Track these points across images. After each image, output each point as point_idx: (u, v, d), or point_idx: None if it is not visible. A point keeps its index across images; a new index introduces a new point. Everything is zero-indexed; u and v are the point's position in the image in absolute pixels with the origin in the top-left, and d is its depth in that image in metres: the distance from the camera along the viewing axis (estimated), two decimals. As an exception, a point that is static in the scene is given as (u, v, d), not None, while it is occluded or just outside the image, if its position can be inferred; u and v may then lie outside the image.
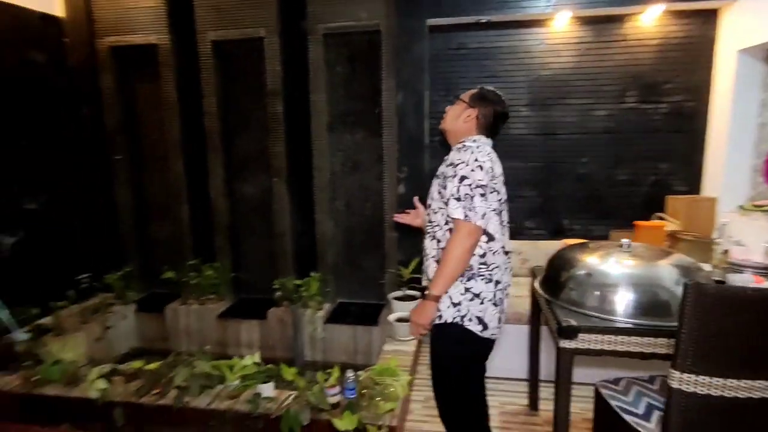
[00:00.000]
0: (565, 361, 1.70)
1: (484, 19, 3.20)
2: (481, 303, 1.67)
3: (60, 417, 2.36)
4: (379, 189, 3.51)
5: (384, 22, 3.21)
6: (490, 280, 1.68)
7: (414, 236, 3.39)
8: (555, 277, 1.94)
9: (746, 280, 1.83)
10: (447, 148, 1.85)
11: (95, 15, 3.60)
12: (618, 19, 3.16)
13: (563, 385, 1.72)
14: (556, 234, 3.48)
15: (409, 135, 3.31)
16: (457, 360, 1.74)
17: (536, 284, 2.10)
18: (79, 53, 3.65)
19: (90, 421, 2.29)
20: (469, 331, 1.67)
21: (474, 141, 1.71)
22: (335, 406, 2.14)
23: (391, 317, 3.06)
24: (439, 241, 1.71)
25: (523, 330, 2.59)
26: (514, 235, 3.44)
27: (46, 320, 3.13)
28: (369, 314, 3.51)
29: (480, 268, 1.66)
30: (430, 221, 1.77)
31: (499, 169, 1.73)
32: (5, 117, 3.15)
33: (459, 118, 1.78)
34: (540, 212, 3.51)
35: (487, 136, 1.79)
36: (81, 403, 2.32)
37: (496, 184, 1.68)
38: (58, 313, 3.21)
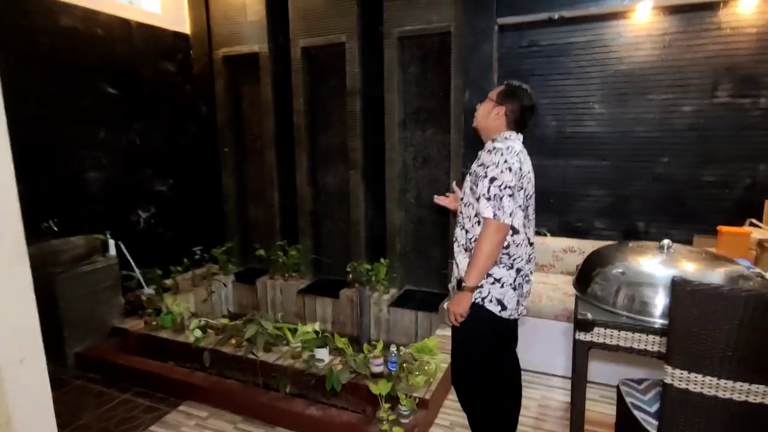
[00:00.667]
0: (580, 353, 1.74)
1: (555, 15, 3.17)
2: (501, 287, 1.80)
3: (168, 355, 2.96)
4: (447, 183, 3.68)
5: (454, 23, 3.35)
6: (511, 267, 1.80)
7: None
8: (587, 273, 1.96)
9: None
10: (482, 145, 1.98)
11: (213, 31, 4.28)
12: (709, 7, 2.91)
13: (579, 377, 1.77)
14: (629, 236, 3.32)
15: (475, 132, 3.40)
16: (479, 339, 1.85)
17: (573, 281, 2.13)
18: (200, 63, 4.37)
19: (187, 360, 2.84)
20: (488, 311, 1.80)
21: (506, 139, 1.81)
22: (379, 375, 2.41)
23: (445, 304, 3.21)
24: (467, 231, 1.85)
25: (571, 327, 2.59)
26: (582, 234, 3.43)
27: (167, 281, 3.85)
28: (431, 301, 3.71)
29: (502, 257, 1.79)
30: (461, 212, 1.91)
31: (527, 167, 1.81)
32: (144, 115, 3.93)
33: (489, 116, 1.87)
34: (611, 212, 3.37)
35: (518, 131, 1.88)
36: (182, 345, 2.90)
37: (523, 181, 1.77)
38: (175, 276, 3.93)
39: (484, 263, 1.73)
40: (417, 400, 2.26)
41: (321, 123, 4.18)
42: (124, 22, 3.74)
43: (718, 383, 1.25)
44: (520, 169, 1.74)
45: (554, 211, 3.52)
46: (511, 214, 1.70)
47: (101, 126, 3.57)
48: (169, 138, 4.18)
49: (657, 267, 1.76)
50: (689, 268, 1.76)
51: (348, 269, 3.94)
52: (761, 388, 1.21)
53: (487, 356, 1.91)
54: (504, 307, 1.81)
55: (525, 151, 1.83)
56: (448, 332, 3.07)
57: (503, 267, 1.80)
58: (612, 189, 3.34)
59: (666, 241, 1.90)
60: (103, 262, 3.29)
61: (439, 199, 2.19)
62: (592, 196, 3.41)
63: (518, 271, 1.82)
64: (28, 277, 1.54)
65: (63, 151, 3.35)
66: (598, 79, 3.24)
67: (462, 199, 1.93)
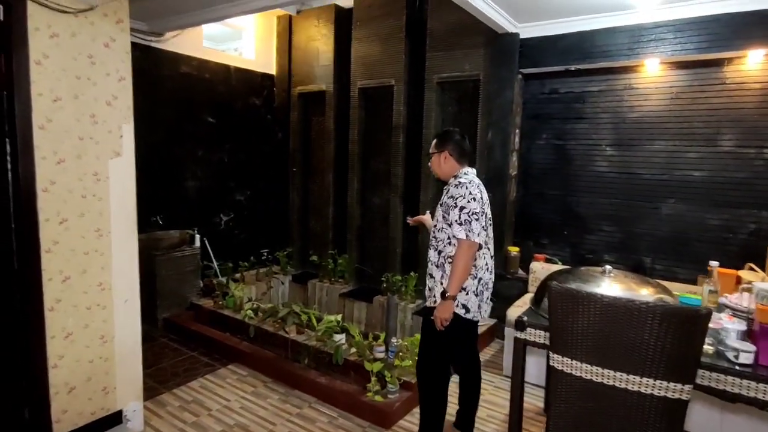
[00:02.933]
0: (517, 349, 2.17)
1: (572, 67, 3.58)
2: (466, 294, 2.22)
3: (226, 327, 3.77)
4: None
5: (483, 72, 3.89)
6: (475, 277, 2.25)
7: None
8: (541, 289, 2.38)
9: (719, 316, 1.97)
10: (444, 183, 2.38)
11: (293, 72, 5.22)
12: (715, 63, 3.15)
13: (517, 368, 2.19)
14: (636, 271, 3.53)
15: (496, 166, 3.87)
16: (445, 336, 2.22)
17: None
18: (280, 98, 5.34)
19: (239, 332, 3.61)
20: (455, 314, 2.21)
21: (465, 174, 2.27)
22: (381, 360, 2.96)
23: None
24: (440, 252, 2.24)
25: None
26: (592, 265, 3.69)
27: (236, 274, 4.74)
28: (449, 314, 4.16)
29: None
30: (435, 237, 2.28)
31: (485, 196, 2.27)
32: (233, 139, 4.94)
33: (440, 164, 2.30)
34: (620, 248, 3.61)
35: (469, 164, 2.33)
36: (237, 321, 3.68)
37: (484, 207, 2.24)
38: (242, 270, 4.81)
39: (462, 275, 2.13)
40: (402, 381, 2.78)
41: (371, 151, 4.88)
42: (226, 68, 4.80)
43: (579, 365, 1.66)
44: (482, 198, 2.21)
45: (568, 242, 3.84)
46: (479, 234, 2.13)
47: (200, 147, 4.60)
48: (250, 157, 5.16)
49: (588, 285, 2.15)
50: (614, 288, 2.13)
51: (383, 279, 4.53)
52: (606, 371, 1.60)
53: (450, 351, 2.31)
54: (468, 310, 2.22)
55: (481, 183, 2.28)
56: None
57: (470, 277, 2.21)
58: (622, 225, 3.59)
59: (607, 267, 2.27)
60: (190, 252, 4.24)
61: (411, 220, 2.67)
62: (604, 231, 3.68)
63: (479, 280, 2.25)
64: (135, 246, 2.37)
65: (172, 165, 4.40)
66: (610, 124, 3.56)
67: (435, 225, 2.30)
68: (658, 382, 1.52)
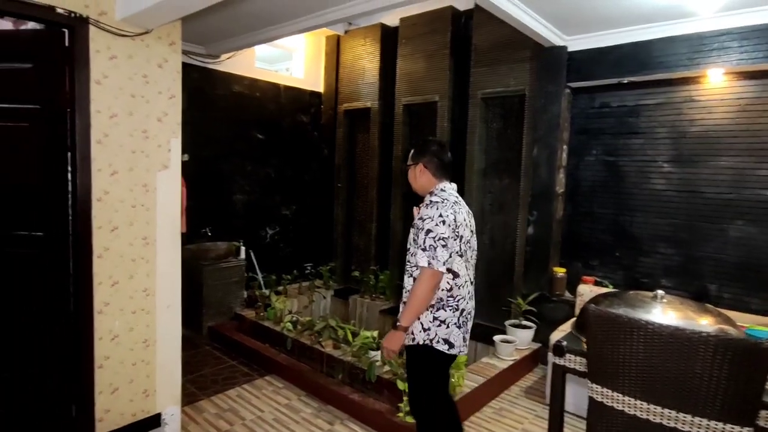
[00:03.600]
0: (556, 375, 2.03)
1: (625, 80, 3.40)
2: (447, 327, 1.96)
3: (266, 338, 3.83)
4: (516, 228, 4.01)
5: (528, 87, 3.79)
6: (456, 309, 1.98)
7: (536, 273, 3.77)
8: (583, 313, 2.23)
9: None
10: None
11: (340, 89, 5.35)
12: (789, 73, 2.88)
13: (555, 396, 2.05)
14: (699, 299, 3.23)
15: (542, 183, 3.72)
16: (429, 371, 2.03)
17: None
18: (327, 115, 5.48)
19: (278, 344, 3.66)
20: (438, 351, 1.96)
21: (441, 191, 2.01)
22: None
23: (496, 338, 3.52)
24: (414, 278, 1.96)
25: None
26: (647, 290, 3.43)
27: (279, 287, 4.84)
28: (491, 335, 4.00)
29: (448, 300, 1.96)
30: (408, 261, 2.03)
31: (462, 216, 1.97)
32: (280, 154, 5.11)
33: (415, 177, 2.08)
34: (680, 272, 3.33)
35: (448, 178, 2.06)
36: (276, 333, 3.73)
37: (459, 230, 1.93)
38: (285, 283, 4.90)
39: (417, 306, 1.89)
40: (436, 402, 2.68)
41: (414, 167, 4.86)
42: (276, 86, 5.00)
43: (622, 398, 1.52)
44: (455, 219, 1.91)
45: (620, 265, 3.60)
46: (444, 263, 1.86)
47: (249, 162, 4.79)
48: (296, 173, 5.30)
49: (636, 311, 1.98)
50: (669, 315, 1.95)
51: (423, 296, 4.45)
52: (652, 407, 1.45)
53: (436, 384, 2.08)
54: (452, 345, 1.98)
55: (461, 201, 2.03)
56: (492, 361, 3.38)
57: (449, 309, 1.96)
58: (682, 248, 3.32)
59: (659, 292, 2.10)
60: (236, 263, 4.38)
61: None
62: (661, 253, 3.42)
63: (462, 311, 1.99)
64: (178, 254, 2.48)
65: (221, 180, 4.61)
66: (668, 139, 3.33)
67: (408, 249, 2.05)
68: (712, 422, 1.36)
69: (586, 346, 1.74)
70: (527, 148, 3.84)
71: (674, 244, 3.34)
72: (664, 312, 1.98)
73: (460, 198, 2.07)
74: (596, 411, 1.60)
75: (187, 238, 4.27)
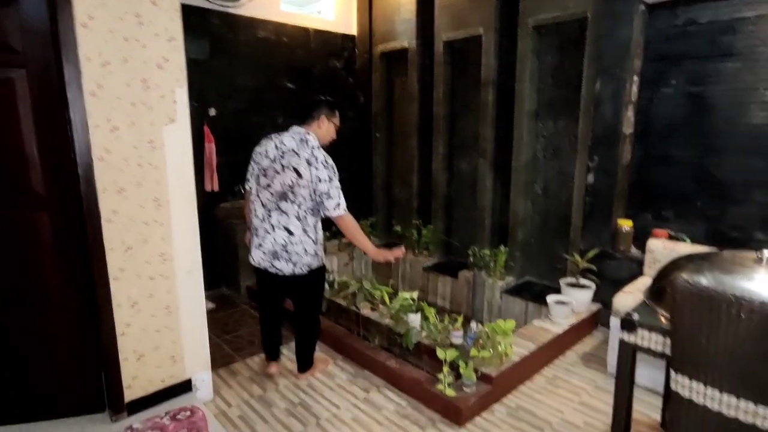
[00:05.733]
0: (624, 355, 1.69)
1: (720, -13, 2.73)
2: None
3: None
4: (573, 176, 3.53)
5: (591, 8, 3.17)
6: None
7: (596, 227, 3.32)
8: (662, 278, 1.83)
9: None
10: None
11: (374, 30, 4.87)
12: None
13: (622, 379, 1.71)
14: (803, 254, 2.68)
15: (605, 123, 3.18)
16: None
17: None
18: (362, 59, 5.04)
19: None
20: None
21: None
22: (458, 345, 2.63)
23: (550, 298, 3.17)
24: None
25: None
26: (737, 246, 2.92)
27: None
28: (543, 295, 3.64)
29: None
30: None
31: (263, 148, 2.51)
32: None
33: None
34: (780, 224, 2.77)
35: (297, 123, 2.54)
36: (312, 293, 3.59)
37: (256, 158, 2.55)
38: (324, 241, 4.73)
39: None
40: (480, 373, 2.42)
41: (459, 112, 4.40)
42: (305, 30, 4.61)
43: (717, 396, 1.16)
44: (256, 149, 2.55)
45: (701, 216, 3.06)
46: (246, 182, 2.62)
47: (279, 113, 4.51)
48: (331, 124, 4.98)
49: (734, 278, 1.56)
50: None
51: (469, 252, 4.13)
52: (761, 409, 1.09)
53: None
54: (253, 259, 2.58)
55: (279, 135, 2.50)
56: (545, 325, 3.05)
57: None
58: (784, 195, 2.74)
59: (767, 252, 1.64)
60: (271, 221, 4.23)
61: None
62: (757, 202, 2.85)
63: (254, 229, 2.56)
64: (195, 216, 2.29)
65: (252, 134, 4.34)
66: (775, 60, 2.67)
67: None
68: None
69: (665, 322, 1.37)
70: (588, 83, 3.28)
71: (775, 191, 2.76)
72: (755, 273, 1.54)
73: (285, 134, 2.49)
74: (679, 407, 1.26)
75: (220, 197, 4.16)
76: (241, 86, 4.25)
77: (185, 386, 2.43)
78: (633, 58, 3.06)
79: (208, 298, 4.23)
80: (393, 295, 3.13)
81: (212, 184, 3.93)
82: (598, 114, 3.21)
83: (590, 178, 3.33)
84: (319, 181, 2.34)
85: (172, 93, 2.15)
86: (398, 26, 4.61)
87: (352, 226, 2.45)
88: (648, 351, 1.62)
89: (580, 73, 3.38)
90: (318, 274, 2.60)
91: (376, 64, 4.92)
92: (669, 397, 1.29)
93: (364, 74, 5.05)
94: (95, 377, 2.23)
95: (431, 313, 2.88)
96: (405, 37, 4.57)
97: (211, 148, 3.86)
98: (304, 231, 2.41)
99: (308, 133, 2.46)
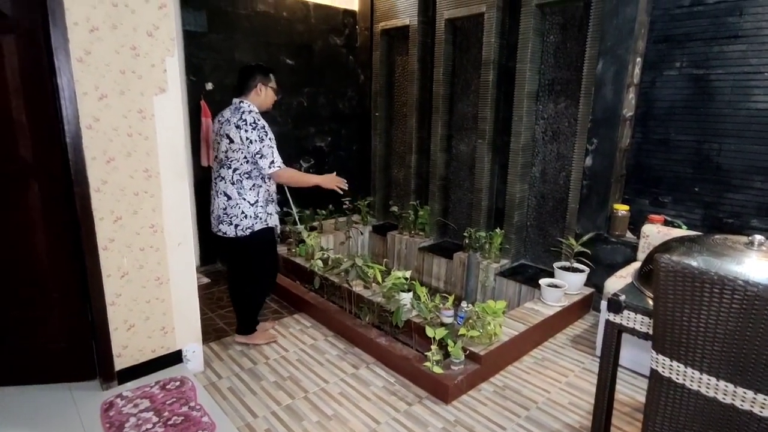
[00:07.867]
0: (609, 335, 1.69)
1: (729, -35, 2.65)
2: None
3: (297, 276, 3.72)
4: (572, 160, 3.49)
5: (597, -16, 3.09)
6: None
7: (592, 211, 3.30)
8: (649, 261, 1.82)
9: None
10: None
11: (376, 6, 4.77)
12: None
13: (606, 359, 1.72)
14: (799, 243, 2.66)
15: (605, 105, 3.13)
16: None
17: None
18: (363, 36, 4.95)
19: (308, 282, 3.53)
20: None
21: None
22: (448, 324, 2.64)
23: (543, 281, 3.17)
24: None
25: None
26: (732, 233, 2.89)
27: (314, 223, 4.68)
28: (536, 278, 3.64)
29: None
30: None
31: (217, 125, 2.59)
32: (312, 82, 4.73)
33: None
34: (777, 212, 2.75)
35: (237, 96, 2.60)
36: (306, 270, 3.60)
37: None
38: (320, 219, 4.73)
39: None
40: (468, 352, 2.44)
41: (459, 93, 4.34)
42: (305, 5, 4.52)
43: (698, 376, 1.16)
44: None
45: (698, 202, 3.04)
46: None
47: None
48: (330, 102, 4.93)
49: (723, 261, 1.55)
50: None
51: (465, 234, 4.12)
52: (740, 391, 1.09)
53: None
54: None
55: (229, 110, 2.56)
56: (537, 307, 3.06)
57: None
58: (783, 182, 2.71)
59: (758, 237, 1.63)
60: (267, 198, 4.21)
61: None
62: (755, 189, 2.82)
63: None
64: (186, 189, 2.27)
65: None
66: (781, 43, 2.61)
67: None
68: (832, 420, 0.99)
69: (652, 304, 1.36)
70: (590, 63, 3.21)
71: (774, 178, 2.73)
72: (763, 264, 1.53)
73: (229, 109, 2.56)
74: (659, 388, 1.26)
75: (216, 173, 4.14)
76: (240, 61, 4.18)
77: (176, 357, 2.46)
78: (637, 39, 2.99)
79: (203, 273, 4.28)
80: (386, 274, 3.13)
81: (209, 159, 3.90)
82: (599, 96, 3.16)
83: (588, 160, 3.29)
84: (250, 142, 2.42)
85: (163, 62, 2.11)
86: (400, 3, 4.51)
87: (291, 176, 2.64)
88: (633, 331, 1.62)
89: (583, 53, 3.31)
90: (261, 236, 2.62)
91: (377, 41, 4.83)
92: (649, 395, 1.29)
93: (365, 52, 4.96)
94: (86, 345, 2.25)
95: (423, 292, 2.88)
96: (407, 14, 4.47)
97: (208, 123, 3.82)
98: (239, 194, 2.50)
99: (242, 102, 2.54)
